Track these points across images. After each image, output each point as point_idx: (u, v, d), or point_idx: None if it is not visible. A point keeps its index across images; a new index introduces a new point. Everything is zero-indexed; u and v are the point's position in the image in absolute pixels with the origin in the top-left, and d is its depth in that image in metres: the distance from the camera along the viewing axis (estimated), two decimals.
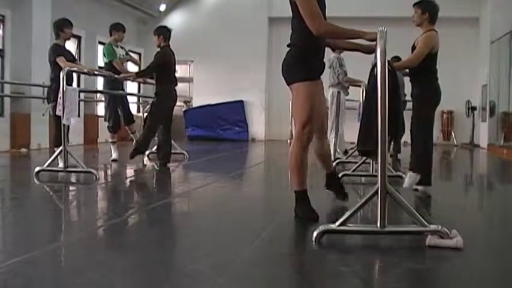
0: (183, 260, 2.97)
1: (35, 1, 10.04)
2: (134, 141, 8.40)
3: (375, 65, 3.27)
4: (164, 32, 7.39)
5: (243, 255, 2.97)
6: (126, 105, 8.19)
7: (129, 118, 8.19)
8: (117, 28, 8.00)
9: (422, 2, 5.13)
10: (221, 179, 6.65)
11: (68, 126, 6.22)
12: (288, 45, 3.87)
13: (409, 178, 5.13)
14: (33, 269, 2.66)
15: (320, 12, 3.63)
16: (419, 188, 5.14)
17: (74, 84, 7.52)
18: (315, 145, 4.10)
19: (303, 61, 3.77)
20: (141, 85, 13.83)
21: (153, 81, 7.63)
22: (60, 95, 6.08)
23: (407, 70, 5.48)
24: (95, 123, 12.33)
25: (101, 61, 9.86)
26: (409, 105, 5.80)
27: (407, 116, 5.57)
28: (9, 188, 5.91)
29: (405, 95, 8.04)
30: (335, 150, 8.31)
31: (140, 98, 14.38)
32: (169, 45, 7.39)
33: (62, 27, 6.92)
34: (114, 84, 7.87)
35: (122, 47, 8.17)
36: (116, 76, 7.61)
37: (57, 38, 6.94)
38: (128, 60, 8.29)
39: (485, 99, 13.07)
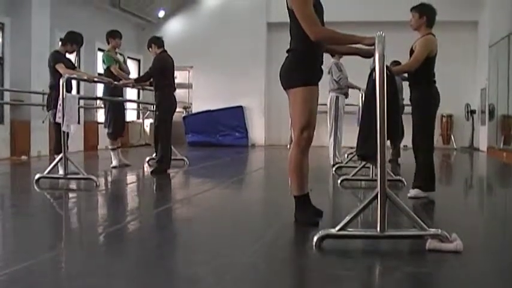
0: (183, 265, 2.98)
1: (34, 9, 10.06)
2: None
3: (373, 70, 3.28)
4: (154, 41, 7.45)
5: (243, 260, 2.97)
6: (122, 114, 8.21)
7: (121, 130, 8.17)
8: (113, 35, 8.03)
9: (419, 6, 5.14)
10: (221, 185, 6.65)
11: (68, 133, 6.22)
12: (287, 51, 3.88)
13: (415, 192, 5.11)
14: (34, 276, 2.66)
15: (317, 18, 3.64)
16: (423, 194, 5.11)
17: (74, 91, 7.52)
18: None
19: (302, 66, 3.78)
20: (141, 92, 13.86)
21: (152, 88, 7.64)
22: (59, 102, 6.09)
23: (405, 75, 5.48)
24: (94, 130, 12.34)
25: (100, 68, 9.88)
26: (408, 109, 5.80)
27: (405, 121, 5.57)
28: (10, 195, 5.92)
29: (403, 99, 8.05)
30: (334, 155, 8.32)
31: (140, 105, 14.43)
32: (165, 51, 7.42)
33: (72, 41, 6.93)
34: (114, 90, 7.88)
35: (120, 54, 8.19)
36: (116, 83, 7.62)
37: (61, 45, 6.95)
38: (120, 68, 8.13)
39: (485, 102, 13.08)
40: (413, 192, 5.12)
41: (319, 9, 3.73)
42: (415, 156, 5.21)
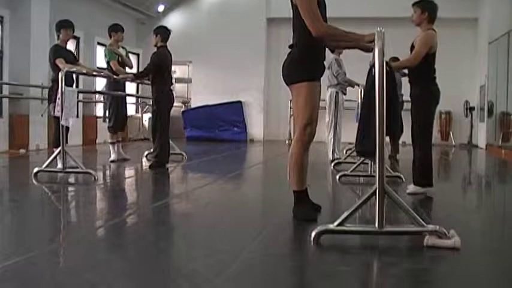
0: (180, 261, 2.98)
1: (33, 2, 10.03)
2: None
3: (373, 66, 3.28)
4: (163, 32, 7.40)
5: (241, 255, 2.97)
6: (123, 109, 8.20)
7: (122, 124, 8.16)
8: (115, 29, 8.01)
9: (421, 1, 5.13)
10: (219, 180, 6.65)
11: (67, 127, 6.22)
12: (290, 46, 3.87)
13: (413, 188, 5.12)
14: (32, 269, 2.66)
15: (320, 14, 3.64)
16: (422, 190, 5.12)
17: (74, 85, 7.51)
18: None
19: (305, 62, 3.77)
20: (140, 86, 13.84)
21: (149, 82, 7.63)
22: (58, 95, 6.08)
23: (405, 71, 5.46)
24: (93, 124, 12.32)
25: (99, 62, 9.85)
26: (407, 105, 5.79)
27: (405, 117, 5.56)
28: (8, 189, 5.91)
29: (402, 95, 8.05)
30: (333, 151, 8.32)
31: (139, 99, 14.42)
32: (166, 46, 7.40)
33: (60, 28, 6.96)
34: (117, 85, 7.89)
35: (123, 47, 8.18)
36: (115, 77, 7.61)
37: (58, 39, 6.98)
38: (122, 63, 8.13)
39: (484, 99, 13.08)
40: (411, 188, 5.12)
41: (322, 5, 3.73)
42: (413, 152, 5.22)
